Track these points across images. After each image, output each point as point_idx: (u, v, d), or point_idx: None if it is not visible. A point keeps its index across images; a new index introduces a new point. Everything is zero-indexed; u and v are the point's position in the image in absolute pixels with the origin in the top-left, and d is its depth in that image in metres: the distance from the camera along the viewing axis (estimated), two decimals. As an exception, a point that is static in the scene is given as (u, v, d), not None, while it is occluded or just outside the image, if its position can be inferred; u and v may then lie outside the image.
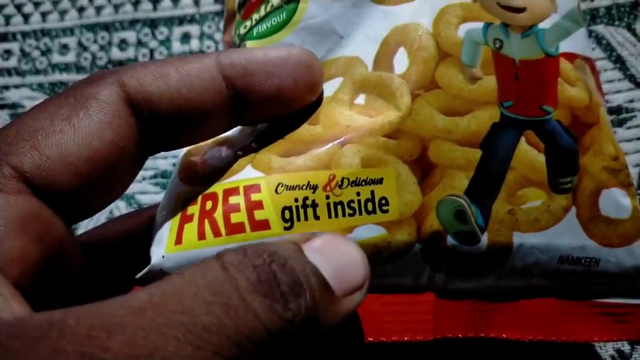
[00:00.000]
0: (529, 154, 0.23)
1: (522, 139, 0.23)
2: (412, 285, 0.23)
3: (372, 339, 0.23)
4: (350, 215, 0.22)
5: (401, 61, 0.23)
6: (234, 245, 0.20)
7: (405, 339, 0.23)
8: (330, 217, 0.22)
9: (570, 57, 0.24)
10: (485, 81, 0.23)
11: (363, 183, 0.22)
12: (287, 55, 0.22)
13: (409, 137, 0.23)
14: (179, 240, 0.22)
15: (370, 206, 0.22)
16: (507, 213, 0.23)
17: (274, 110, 0.22)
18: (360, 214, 0.22)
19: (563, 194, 0.23)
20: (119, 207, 0.35)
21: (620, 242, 0.23)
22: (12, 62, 0.39)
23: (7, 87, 0.38)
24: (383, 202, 0.22)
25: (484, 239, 0.23)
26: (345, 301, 0.17)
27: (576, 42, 0.25)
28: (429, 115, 0.23)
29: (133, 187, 0.35)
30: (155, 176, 0.36)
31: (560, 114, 0.23)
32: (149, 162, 0.36)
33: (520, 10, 0.24)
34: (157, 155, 0.36)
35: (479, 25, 0.24)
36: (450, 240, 0.23)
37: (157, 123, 0.21)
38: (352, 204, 0.22)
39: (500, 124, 0.23)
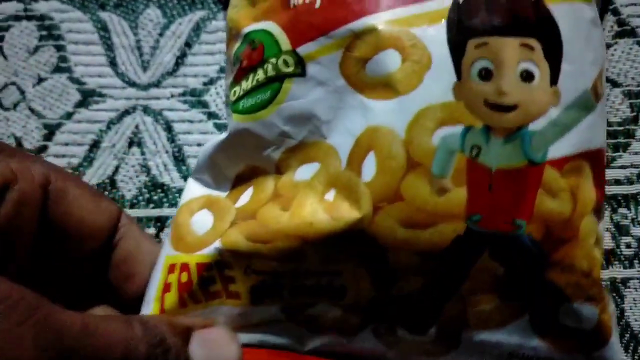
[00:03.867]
0: (489, 267, 0.22)
1: (486, 253, 0.22)
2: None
3: None
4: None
5: (370, 166, 0.22)
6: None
7: None
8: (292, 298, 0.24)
9: (560, 163, 0.22)
10: (454, 193, 0.22)
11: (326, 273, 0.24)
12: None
13: (368, 244, 0.23)
14: (162, 310, 0.25)
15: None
16: (457, 312, 0.23)
17: None
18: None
19: (518, 303, 0.23)
20: (145, 122, 0.36)
21: (577, 348, 0.24)
22: (42, -27, 0.37)
23: (36, -1, 0.37)
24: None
25: (432, 330, 0.24)
26: None
27: (578, 137, 0.22)
28: (389, 228, 0.22)
29: (161, 104, 0.36)
30: (184, 94, 0.36)
31: (533, 228, 0.22)
32: (179, 80, 0.36)
33: (511, 108, 0.21)
34: (187, 73, 0.36)
35: (457, 129, 0.21)
36: (400, 330, 0.24)
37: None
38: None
39: (464, 237, 0.22)
